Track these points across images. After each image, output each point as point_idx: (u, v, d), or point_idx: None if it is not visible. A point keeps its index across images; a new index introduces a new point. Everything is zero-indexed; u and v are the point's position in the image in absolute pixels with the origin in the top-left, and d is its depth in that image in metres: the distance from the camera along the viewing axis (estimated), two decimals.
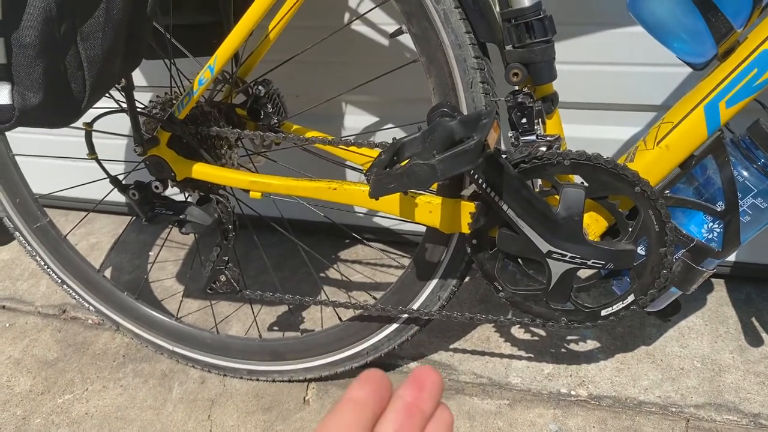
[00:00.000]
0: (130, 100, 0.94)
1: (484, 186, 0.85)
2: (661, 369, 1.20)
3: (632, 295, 0.93)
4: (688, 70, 1.13)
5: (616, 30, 1.15)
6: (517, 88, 0.88)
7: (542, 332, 1.30)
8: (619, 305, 0.94)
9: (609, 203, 0.88)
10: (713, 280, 1.37)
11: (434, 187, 0.97)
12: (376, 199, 0.81)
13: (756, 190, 0.83)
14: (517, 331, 1.31)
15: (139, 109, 0.98)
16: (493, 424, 1.13)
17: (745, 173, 0.83)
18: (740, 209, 0.84)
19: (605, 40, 1.16)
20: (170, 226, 1.67)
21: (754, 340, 1.23)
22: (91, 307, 1.32)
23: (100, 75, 0.78)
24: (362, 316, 1.14)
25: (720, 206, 0.85)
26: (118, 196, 1.12)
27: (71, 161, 1.63)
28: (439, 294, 1.06)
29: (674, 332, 1.26)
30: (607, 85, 1.21)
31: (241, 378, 1.28)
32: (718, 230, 0.86)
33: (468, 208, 0.93)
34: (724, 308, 1.31)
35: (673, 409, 1.12)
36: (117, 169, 1.16)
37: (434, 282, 1.05)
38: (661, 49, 0.85)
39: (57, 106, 0.75)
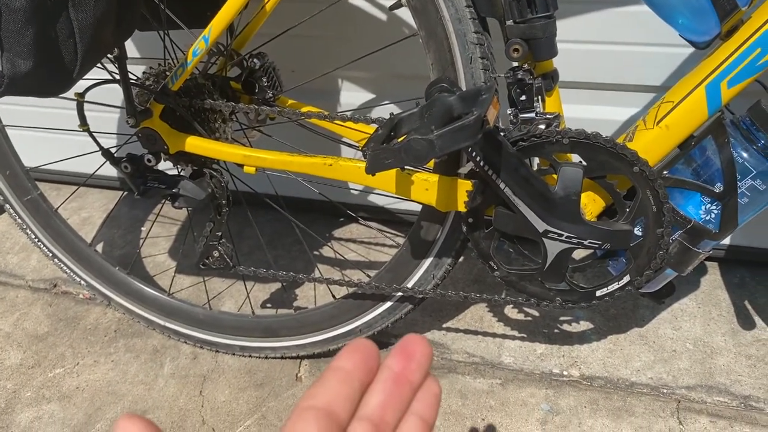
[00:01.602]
0: (123, 70, 0.92)
1: (481, 164, 0.84)
2: (654, 351, 1.20)
3: (628, 275, 0.93)
4: (688, 50, 1.12)
5: (617, 9, 1.13)
6: (516, 64, 0.86)
7: (535, 312, 1.30)
8: (615, 286, 0.94)
9: (607, 183, 0.88)
10: (707, 263, 1.37)
11: (431, 164, 0.96)
12: (373, 174, 0.80)
13: (755, 172, 0.82)
14: (511, 311, 1.31)
15: (131, 80, 0.96)
16: (485, 403, 1.14)
17: (745, 154, 0.82)
18: (739, 191, 0.83)
19: (605, 19, 1.15)
20: (163, 200, 1.67)
21: (747, 323, 1.23)
22: (82, 282, 1.31)
23: (92, 43, 0.76)
24: (356, 294, 1.14)
25: (718, 187, 0.84)
26: (110, 170, 1.11)
27: (63, 134, 1.61)
28: (433, 273, 1.05)
29: (667, 314, 1.27)
30: (606, 64, 1.20)
31: (234, 354, 1.28)
32: (715, 212, 0.86)
33: (465, 186, 0.92)
34: (717, 291, 1.31)
35: (665, 391, 1.13)
36: (109, 143, 1.14)
37: (429, 260, 1.05)
38: (662, 29, 0.84)
39: (48, 75, 0.73)
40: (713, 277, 1.34)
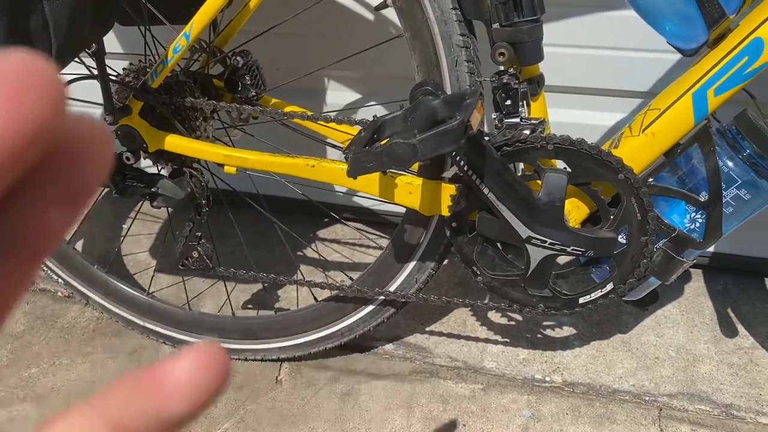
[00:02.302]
0: (101, 66, 0.90)
1: (465, 168, 0.83)
2: (636, 357, 1.19)
3: (611, 283, 0.92)
4: (676, 57, 1.11)
5: (604, 13, 1.12)
6: (502, 68, 0.85)
7: (518, 318, 1.29)
8: (598, 293, 0.93)
9: (591, 190, 0.87)
10: (691, 270, 1.37)
11: (415, 168, 0.95)
12: (354, 178, 0.79)
13: (740, 181, 0.81)
14: (494, 316, 1.30)
15: (110, 76, 0.94)
16: (466, 408, 1.13)
17: (731, 163, 0.82)
18: (724, 200, 0.82)
19: (592, 24, 1.14)
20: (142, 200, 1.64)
21: (729, 331, 1.23)
22: (60, 280, 1.28)
23: (67, 37, 0.74)
24: (338, 297, 1.12)
25: (704, 196, 0.83)
26: None
27: None
28: (416, 276, 1.04)
29: (651, 321, 1.26)
30: (592, 69, 1.19)
31: None
32: (700, 221, 0.85)
33: (448, 190, 0.91)
34: (700, 298, 1.31)
35: (647, 398, 1.12)
36: None
37: (412, 264, 1.03)
38: (649, 35, 0.83)
39: None
40: (697, 285, 1.34)
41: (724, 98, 0.79)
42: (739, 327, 1.24)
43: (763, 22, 0.75)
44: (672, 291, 1.32)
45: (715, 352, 1.19)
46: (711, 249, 1.31)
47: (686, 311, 1.28)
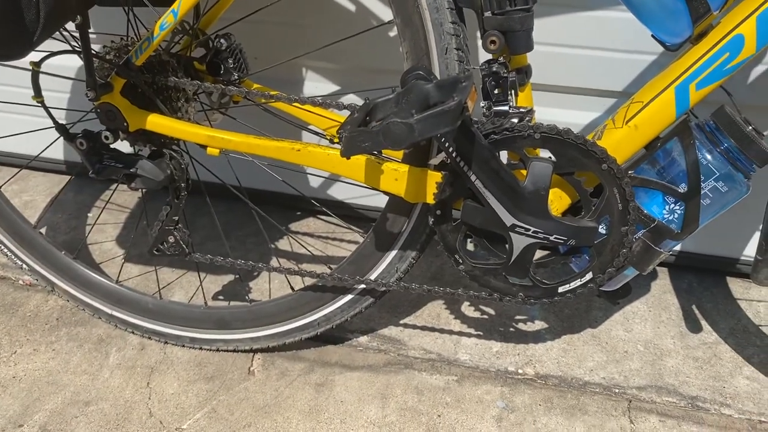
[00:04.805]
0: (85, 40, 0.88)
1: (453, 154, 0.84)
2: (606, 351, 1.22)
3: (590, 273, 0.94)
4: (652, 57, 1.15)
5: (582, 13, 1.15)
6: (492, 56, 0.86)
7: (492, 311, 1.30)
8: (577, 283, 0.95)
9: (575, 180, 0.88)
10: (658, 268, 1.41)
11: (400, 156, 0.96)
12: (348, 158, 0.79)
13: (718, 174, 0.84)
14: (467, 309, 1.31)
15: (93, 52, 0.91)
16: (441, 400, 1.13)
17: (709, 156, 0.85)
18: (702, 192, 0.85)
19: (569, 23, 1.16)
20: (112, 187, 1.60)
21: (694, 327, 1.27)
22: (24, 266, 1.24)
23: (55, 5, 0.72)
24: (316, 286, 1.11)
25: (683, 188, 0.86)
26: (56, 152, 1.05)
27: (2, 111, 1.53)
28: (397, 265, 1.04)
29: (620, 316, 1.29)
30: (568, 68, 1.21)
31: (183, 346, 1.23)
32: (679, 212, 0.88)
33: (434, 177, 0.92)
34: (667, 295, 1.34)
35: (616, 390, 1.15)
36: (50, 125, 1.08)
37: (393, 253, 1.04)
38: (626, 35, 0.85)
39: (7, 35, 0.69)
40: (663, 282, 1.38)
41: (705, 92, 0.82)
42: (704, 323, 1.28)
43: (745, 19, 0.78)
44: (640, 288, 1.35)
45: (681, 347, 1.23)
46: (677, 247, 1.36)
47: (653, 307, 1.31)
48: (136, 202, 1.58)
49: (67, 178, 1.56)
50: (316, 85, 1.38)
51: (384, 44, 1.21)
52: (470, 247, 0.96)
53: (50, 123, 1.01)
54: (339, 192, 1.51)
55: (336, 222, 1.50)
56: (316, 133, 1.09)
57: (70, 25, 0.88)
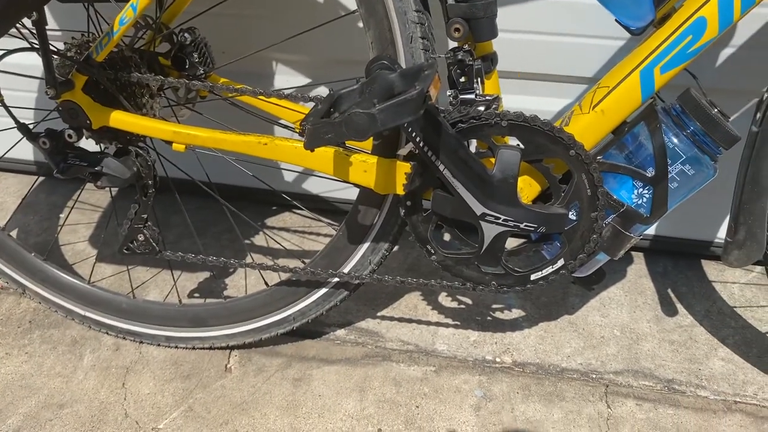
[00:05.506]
0: (42, 36, 0.86)
1: (420, 144, 0.83)
2: (583, 337, 1.22)
3: (562, 259, 0.94)
4: (619, 42, 1.15)
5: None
6: (457, 44, 0.86)
7: (469, 300, 1.30)
8: (549, 269, 0.95)
9: (543, 167, 0.88)
10: (633, 253, 1.42)
11: (369, 147, 0.95)
12: (312, 150, 0.78)
13: (685, 157, 0.84)
14: (444, 299, 1.31)
15: (53, 49, 0.90)
16: (419, 390, 1.13)
17: (675, 140, 0.85)
18: (669, 175, 0.85)
19: (536, 8, 1.16)
20: (81, 187, 1.58)
21: (670, 311, 1.28)
22: None
23: (8, 2, 0.70)
24: (290, 281, 1.10)
25: (650, 172, 0.86)
26: (25, 153, 1.03)
27: None
28: (370, 258, 1.04)
29: (596, 302, 1.30)
30: (535, 54, 1.21)
31: (159, 345, 1.22)
32: (647, 196, 0.88)
33: (403, 168, 0.91)
34: (642, 280, 1.35)
35: (594, 376, 1.15)
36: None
37: (366, 245, 1.03)
38: (592, 20, 0.85)
39: None
40: (638, 267, 1.38)
41: (670, 76, 0.82)
42: (679, 306, 1.29)
43: (707, 1, 0.77)
44: (615, 273, 1.36)
45: (656, 331, 1.23)
46: (651, 231, 1.36)
47: (629, 292, 1.32)
48: (109, 201, 1.56)
49: (36, 178, 1.53)
50: (287, 78, 1.37)
51: (353, 35, 1.20)
52: (446, 237, 0.96)
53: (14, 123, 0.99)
54: (313, 186, 1.50)
55: (310, 216, 1.49)
56: (287, 127, 1.08)
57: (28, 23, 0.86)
